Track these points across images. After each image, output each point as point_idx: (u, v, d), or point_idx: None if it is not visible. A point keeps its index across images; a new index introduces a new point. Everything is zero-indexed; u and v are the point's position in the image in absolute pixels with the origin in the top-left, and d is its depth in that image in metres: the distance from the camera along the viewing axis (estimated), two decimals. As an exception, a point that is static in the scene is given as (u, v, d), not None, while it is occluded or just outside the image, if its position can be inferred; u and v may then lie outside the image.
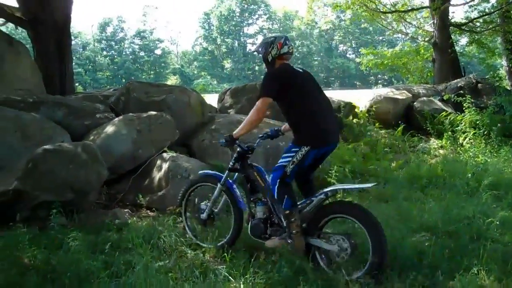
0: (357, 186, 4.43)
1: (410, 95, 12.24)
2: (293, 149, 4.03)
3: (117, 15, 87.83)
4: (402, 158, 8.71)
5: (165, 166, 6.43)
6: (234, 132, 4.23)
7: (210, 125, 7.99)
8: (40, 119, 6.71)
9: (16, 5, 10.47)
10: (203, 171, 5.19)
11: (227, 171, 4.50)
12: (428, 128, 10.56)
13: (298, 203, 4.10)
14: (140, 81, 11.45)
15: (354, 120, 10.78)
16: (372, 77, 61.36)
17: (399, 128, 10.50)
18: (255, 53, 4.49)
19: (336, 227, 4.55)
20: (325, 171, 6.66)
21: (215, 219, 4.68)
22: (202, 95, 9.48)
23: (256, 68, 64.83)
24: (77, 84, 15.14)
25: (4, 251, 4.09)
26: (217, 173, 4.79)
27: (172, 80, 59.56)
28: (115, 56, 65.16)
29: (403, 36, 23.19)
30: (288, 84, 4.09)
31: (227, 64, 67.92)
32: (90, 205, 5.70)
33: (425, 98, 12.00)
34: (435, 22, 16.09)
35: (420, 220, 5.03)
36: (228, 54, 68.31)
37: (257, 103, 4.10)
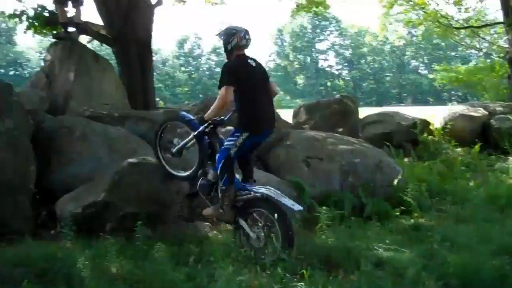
0: (288, 203, 4.61)
1: (486, 112, 11.95)
2: (235, 134, 4.77)
3: (194, 32, 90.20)
4: (480, 178, 8.38)
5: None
6: (205, 115, 4.95)
7: (286, 141, 8.00)
8: (125, 133, 7.00)
9: (101, 23, 11.02)
10: (185, 113, 5.84)
11: (202, 127, 5.03)
12: (506, 147, 10.17)
13: (243, 188, 4.87)
14: (218, 97, 11.67)
15: (429, 138, 10.56)
16: (445, 94, 59.34)
17: (475, 147, 10.17)
18: (217, 36, 5.09)
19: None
20: (401, 189, 6.54)
21: (182, 153, 5.38)
22: (277, 110, 9.56)
23: (328, 84, 64.66)
24: (157, 99, 15.60)
25: (94, 260, 4.26)
26: (196, 122, 5.25)
27: (248, 96, 60.31)
28: (193, 72, 67.07)
29: (477, 52, 22.39)
30: (237, 76, 4.72)
31: (300, 79, 68.10)
32: (172, 217, 5.84)
33: (502, 115, 11.61)
34: (509, 38, 15.38)
35: (501, 242, 4.78)
36: (300, 70, 68.54)
37: (220, 91, 4.73)
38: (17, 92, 6.65)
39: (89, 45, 11.03)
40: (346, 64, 69.64)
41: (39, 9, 10.13)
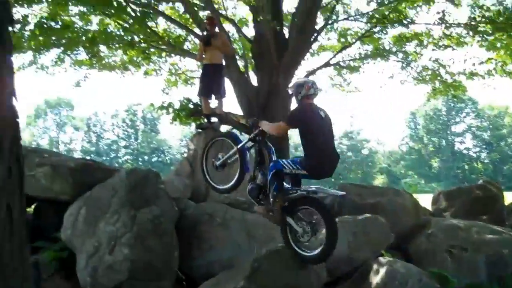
0: (331, 191, 5.84)
1: None
2: (296, 165, 5.25)
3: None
4: None
5: (382, 271, 6.22)
6: (261, 124, 5.60)
7: (427, 229, 7.65)
8: (263, 219, 7.11)
9: (241, 113, 11.65)
10: (230, 130, 7.21)
11: (247, 139, 5.82)
12: None
13: (288, 188, 5.37)
14: (353, 184, 11.72)
15: None
16: None
17: None
18: (289, 89, 6.20)
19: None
20: None
21: (225, 167, 5.95)
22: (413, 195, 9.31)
23: (466, 167, 61.32)
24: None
25: None
26: (238, 136, 6.21)
27: (379, 179, 59.29)
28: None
29: None
30: (305, 120, 5.30)
31: (435, 163, 65.39)
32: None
33: None
34: None
35: None
36: (435, 153, 65.89)
37: (280, 123, 5.51)
38: (163, 180, 7.11)
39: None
40: (484, 146, 65.77)
41: (185, 101, 11.02)
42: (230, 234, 6.60)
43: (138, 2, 11.07)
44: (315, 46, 14.77)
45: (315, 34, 12.50)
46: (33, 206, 7.88)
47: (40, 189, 6.87)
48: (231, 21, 13.07)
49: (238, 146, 5.78)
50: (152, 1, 11.47)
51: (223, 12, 12.96)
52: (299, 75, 12.82)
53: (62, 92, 72.15)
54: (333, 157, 5.43)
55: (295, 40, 11.60)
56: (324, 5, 13.06)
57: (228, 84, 11.39)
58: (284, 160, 5.41)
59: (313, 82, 5.51)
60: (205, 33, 9.31)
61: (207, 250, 6.41)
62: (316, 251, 5.08)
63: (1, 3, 2.43)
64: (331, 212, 5.28)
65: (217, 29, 9.66)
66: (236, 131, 6.56)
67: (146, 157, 67.49)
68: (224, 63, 9.57)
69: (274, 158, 5.60)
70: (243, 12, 15.62)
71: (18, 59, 12.28)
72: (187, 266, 6.19)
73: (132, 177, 6.25)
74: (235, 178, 5.81)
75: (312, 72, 13.53)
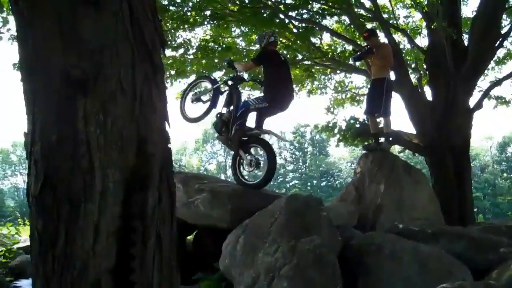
0: (279, 134, 9.08)
1: None
2: (260, 99, 7.46)
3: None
4: None
5: None
6: (235, 63, 8.01)
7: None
8: (438, 252, 6.66)
9: (414, 131, 11.19)
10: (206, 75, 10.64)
11: (222, 82, 8.24)
12: None
13: (248, 126, 7.47)
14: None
15: None
16: None
17: None
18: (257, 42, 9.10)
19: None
20: None
21: (200, 101, 8.15)
22: None
23: None
24: (475, 209, 14.81)
25: None
26: (216, 80, 8.51)
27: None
28: (518, 179, 62.21)
29: None
30: (269, 59, 7.46)
31: None
32: None
33: None
34: None
35: None
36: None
37: (248, 63, 8.37)
38: (327, 207, 7.05)
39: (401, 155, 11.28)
40: None
41: (351, 120, 10.91)
42: (400, 267, 6.26)
43: (300, 18, 11.30)
44: (500, 52, 13.75)
45: (500, 40, 11.59)
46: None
47: (199, 217, 7.25)
48: (403, 31, 12.73)
49: (214, 86, 7.90)
50: (316, 16, 11.64)
51: (394, 22, 12.68)
52: (482, 86, 12.01)
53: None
54: (291, 92, 7.68)
55: (475, 47, 10.87)
56: (511, 5, 12.10)
57: (399, 100, 11.09)
58: (250, 99, 7.81)
59: (273, 32, 8.11)
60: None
61: (374, 284, 6.15)
62: (257, 181, 7.51)
63: (153, 25, 2.60)
64: (273, 151, 7.42)
65: (380, 41, 9.43)
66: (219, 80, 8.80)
67: (314, 181, 68.14)
68: (391, 77, 9.30)
69: (242, 100, 7.76)
70: (416, 20, 15.13)
71: (181, 84, 13.27)
72: (351, 302, 6.01)
73: (292, 204, 6.27)
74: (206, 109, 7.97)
75: (498, 83, 12.53)
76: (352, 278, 6.17)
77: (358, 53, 9.38)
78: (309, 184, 68.05)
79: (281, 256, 5.67)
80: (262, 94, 7.68)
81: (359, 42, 12.00)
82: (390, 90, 8.87)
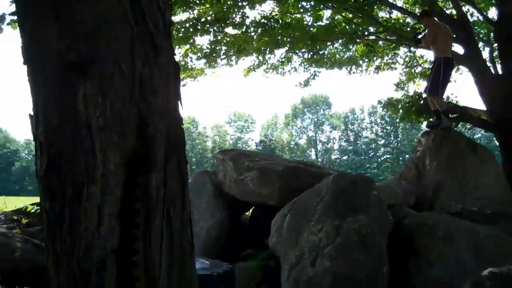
0: None
1: None
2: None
3: None
4: None
5: None
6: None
7: None
8: (497, 234, 6.33)
9: (482, 107, 10.63)
10: None
11: None
12: None
13: None
14: None
15: None
16: None
17: None
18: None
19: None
20: None
21: None
22: None
23: None
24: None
25: None
26: None
27: None
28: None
29: None
30: None
31: None
32: None
33: None
34: None
35: None
36: None
37: None
38: (379, 186, 6.84)
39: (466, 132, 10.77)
40: None
41: (414, 96, 10.50)
42: (454, 249, 6.00)
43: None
44: None
45: None
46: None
47: (249, 194, 7.23)
48: (472, 3, 12.03)
49: None
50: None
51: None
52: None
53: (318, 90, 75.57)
54: None
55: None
56: None
57: (468, 75, 10.58)
58: None
59: None
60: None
61: (425, 266, 5.93)
62: None
63: (156, 4, 2.54)
64: None
65: (436, 21, 9.06)
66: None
67: (407, 156, 66.52)
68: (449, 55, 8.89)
69: None
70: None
71: (246, 61, 13.27)
72: (400, 284, 5.81)
73: (339, 183, 6.13)
74: None
75: None
76: (402, 259, 5.98)
77: (416, 37, 9.63)
78: (401, 159, 66.48)
79: (325, 235, 5.57)
80: None
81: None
82: (447, 70, 8.65)
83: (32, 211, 6.60)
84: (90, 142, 2.32)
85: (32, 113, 2.49)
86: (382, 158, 68.91)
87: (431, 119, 9.51)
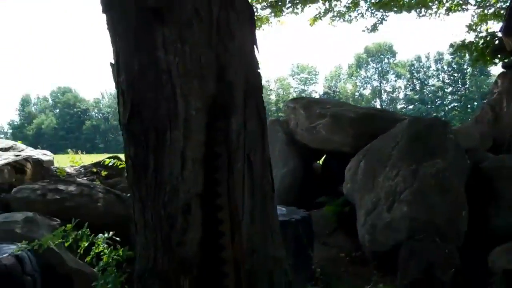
0: None
1: None
2: None
3: None
4: None
5: None
6: None
7: None
8: None
9: None
10: None
11: None
12: None
13: None
14: None
15: None
16: None
17: None
18: None
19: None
20: None
21: None
22: None
23: None
24: None
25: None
26: None
27: None
28: None
29: None
30: None
31: None
32: None
33: None
34: None
35: None
36: None
37: None
38: (456, 129, 6.62)
39: None
40: None
41: (489, 37, 9.98)
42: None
43: None
44: None
45: None
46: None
47: (321, 141, 7.17)
48: None
49: None
50: None
51: None
52: None
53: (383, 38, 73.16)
54: None
55: None
56: None
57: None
58: None
59: None
60: None
61: (505, 210, 5.73)
62: None
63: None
64: None
65: None
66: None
67: (475, 103, 64.20)
68: None
69: None
70: None
71: (311, 10, 12.98)
72: (480, 227, 5.65)
73: (415, 127, 5.96)
74: None
75: None
76: (482, 203, 5.81)
77: None
78: (469, 106, 64.29)
79: (401, 180, 5.48)
80: None
81: None
82: None
83: (110, 164, 6.80)
84: (171, 88, 2.33)
85: (113, 62, 2.51)
86: (450, 107, 66.65)
87: (506, 60, 9.04)
